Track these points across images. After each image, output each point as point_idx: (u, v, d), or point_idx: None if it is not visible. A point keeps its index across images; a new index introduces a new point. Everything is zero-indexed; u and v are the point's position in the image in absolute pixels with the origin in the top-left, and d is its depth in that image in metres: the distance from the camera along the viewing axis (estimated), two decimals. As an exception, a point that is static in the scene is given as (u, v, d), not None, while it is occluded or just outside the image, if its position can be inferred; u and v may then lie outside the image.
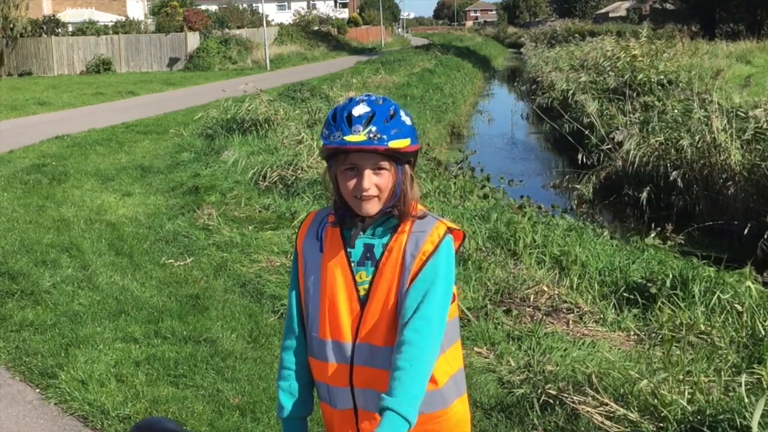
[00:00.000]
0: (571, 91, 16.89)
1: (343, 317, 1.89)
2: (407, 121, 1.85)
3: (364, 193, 1.83)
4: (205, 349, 4.68)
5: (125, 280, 5.99)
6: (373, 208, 1.85)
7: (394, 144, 1.81)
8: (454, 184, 8.49)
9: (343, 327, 1.89)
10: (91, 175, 10.09)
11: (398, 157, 1.84)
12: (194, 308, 5.39)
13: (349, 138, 1.79)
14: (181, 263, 6.36)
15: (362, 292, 1.88)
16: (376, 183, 1.83)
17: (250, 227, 7.24)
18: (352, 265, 1.89)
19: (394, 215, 1.88)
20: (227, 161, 10.15)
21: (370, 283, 1.88)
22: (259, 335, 4.89)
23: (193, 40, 33.75)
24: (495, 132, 18.77)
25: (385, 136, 1.80)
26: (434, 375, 1.87)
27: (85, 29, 34.93)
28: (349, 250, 1.90)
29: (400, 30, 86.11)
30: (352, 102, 1.86)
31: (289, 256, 6.32)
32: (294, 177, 8.78)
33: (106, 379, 4.28)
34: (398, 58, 30.58)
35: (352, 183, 1.84)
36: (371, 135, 1.79)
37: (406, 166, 1.88)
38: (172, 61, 33.60)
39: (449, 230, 1.90)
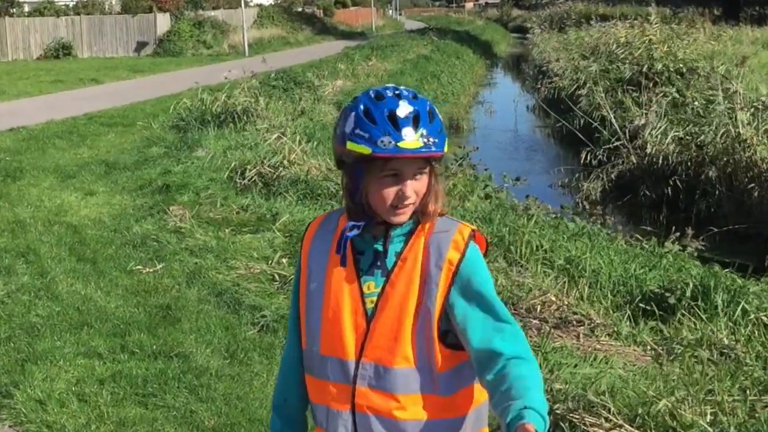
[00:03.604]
0: (581, 82, 16.95)
1: (347, 332, 1.84)
2: (440, 116, 1.82)
3: (406, 202, 1.78)
4: (177, 366, 4.68)
5: (88, 288, 5.97)
6: (408, 216, 1.82)
7: (447, 148, 1.77)
8: (455, 183, 8.50)
9: (346, 343, 1.84)
10: (49, 172, 10.06)
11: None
12: (165, 320, 5.38)
13: (404, 144, 1.71)
14: (151, 270, 6.35)
15: (369, 305, 1.84)
16: (415, 189, 1.79)
17: (227, 230, 7.24)
18: (360, 273, 1.86)
19: (417, 219, 1.84)
20: (201, 157, 10.13)
21: (379, 295, 1.83)
22: (237, 350, 4.89)
23: (163, 22, 33.62)
24: (497, 125, 18.81)
25: (438, 140, 1.75)
26: (459, 402, 1.86)
27: (42, 9, 34.73)
28: (357, 256, 1.86)
29: (392, 12, 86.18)
30: (386, 99, 1.77)
31: (270, 262, 6.33)
32: (275, 175, 8.78)
33: (66, 399, 4.28)
34: (391, 44, 30.60)
35: (392, 190, 1.77)
36: (426, 140, 1.73)
37: (435, 165, 1.84)
38: (140, 46, 33.47)
39: (473, 233, 1.85)
